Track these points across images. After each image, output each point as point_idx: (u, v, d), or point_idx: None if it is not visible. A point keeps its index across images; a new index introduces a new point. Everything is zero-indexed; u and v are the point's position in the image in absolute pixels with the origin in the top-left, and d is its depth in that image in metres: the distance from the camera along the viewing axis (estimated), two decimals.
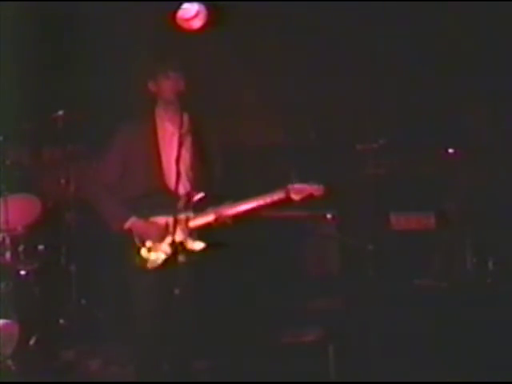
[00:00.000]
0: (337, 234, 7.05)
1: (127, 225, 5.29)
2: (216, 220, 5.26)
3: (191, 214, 5.27)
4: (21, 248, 6.55)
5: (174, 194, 5.07)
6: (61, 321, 6.69)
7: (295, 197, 5.24)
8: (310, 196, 5.25)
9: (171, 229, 5.10)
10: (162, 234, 5.23)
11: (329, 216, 6.90)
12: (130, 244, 5.31)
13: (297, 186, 5.24)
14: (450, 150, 6.85)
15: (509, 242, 6.58)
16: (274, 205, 5.28)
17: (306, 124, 7.57)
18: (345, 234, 6.97)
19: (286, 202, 5.27)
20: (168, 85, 5.30)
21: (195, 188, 5.31)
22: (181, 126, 5.14)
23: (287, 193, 5.25)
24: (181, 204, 5.22)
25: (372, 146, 6.83)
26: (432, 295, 6.53)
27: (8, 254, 6.46)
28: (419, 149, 7.04)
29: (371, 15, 7.08)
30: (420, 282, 6.74)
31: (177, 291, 5.00)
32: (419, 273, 6.79)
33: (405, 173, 7.02)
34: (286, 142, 7.52)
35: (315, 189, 5.25)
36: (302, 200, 5.24)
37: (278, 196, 5.26)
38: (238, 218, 5.29)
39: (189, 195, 5.28)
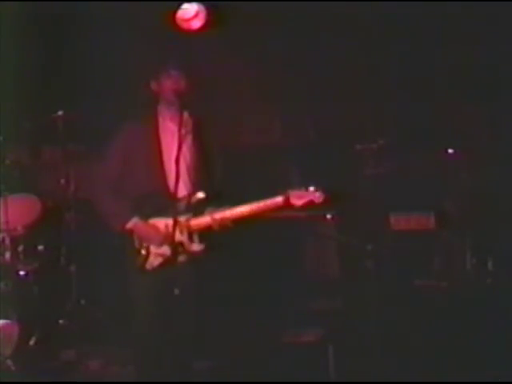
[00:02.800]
0: (336, 234, 7.04)
1: (129, 225, 5.26)
2: (216, 223, 5.24)
3: (192, 216, 5.26)
4: (21, 248, 6.54)
5: (174, 195, 5.06)
6: (61, 321, 6.69)
7: (296, 202, 5.21)
8: (311, 202, 5.21)
9: (171, 230, 5.06)
10: (162, 238, 5.20)
11: (328, 216, 6.90)
12: (130, 244, 5.30)
13: (297, 192, 5.20)
14: (450, 151, 6.85)
15: (509, 241, 6.59)
16: (273, 209, 5.25)
17: (305, 124, 7.57)
18: (345, 234, 6.97)
19: (287, 206, 5.23)
20: (169, 84, 5.29)
21: (196, 189, 5.30)
22: (182, 126, 5.14)
23: (287, 198, 5.20)
24: (181, 205, 5.20)
25: (372, 146, 6.83)
26: (432, 295, 6.54)
27: (8, 254, 6.44)
28: (419, 149, 7.05)
29: (371, 14, 7.09)
30: (420, 282, 6.76)
31: (177, 291, 4.99)
32: (419, 273, 6.80)
33: (404, 173, 7.02)
34: (286, 142, 7.52)
35: (316, 196, 5.19)
36: (303, 206, 5.20)
37: (278, 201, 5.22)
38: (237, 221, 5.27)
39: (189, 196, 5.27)
